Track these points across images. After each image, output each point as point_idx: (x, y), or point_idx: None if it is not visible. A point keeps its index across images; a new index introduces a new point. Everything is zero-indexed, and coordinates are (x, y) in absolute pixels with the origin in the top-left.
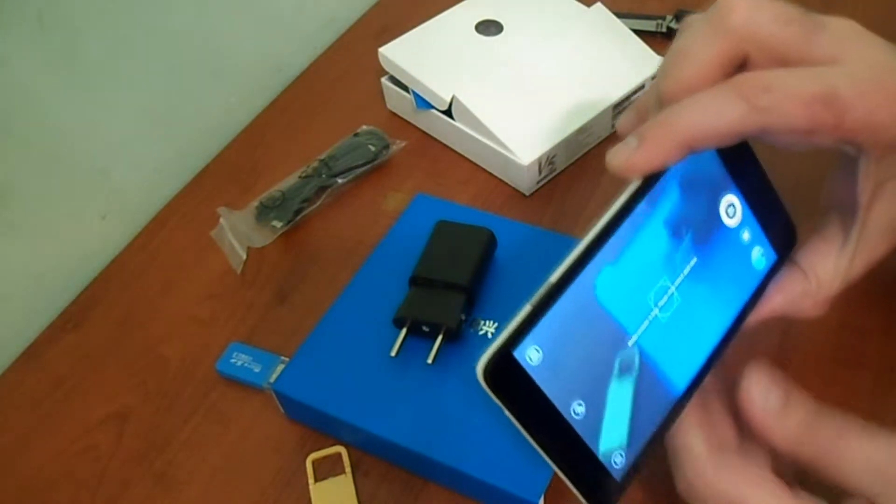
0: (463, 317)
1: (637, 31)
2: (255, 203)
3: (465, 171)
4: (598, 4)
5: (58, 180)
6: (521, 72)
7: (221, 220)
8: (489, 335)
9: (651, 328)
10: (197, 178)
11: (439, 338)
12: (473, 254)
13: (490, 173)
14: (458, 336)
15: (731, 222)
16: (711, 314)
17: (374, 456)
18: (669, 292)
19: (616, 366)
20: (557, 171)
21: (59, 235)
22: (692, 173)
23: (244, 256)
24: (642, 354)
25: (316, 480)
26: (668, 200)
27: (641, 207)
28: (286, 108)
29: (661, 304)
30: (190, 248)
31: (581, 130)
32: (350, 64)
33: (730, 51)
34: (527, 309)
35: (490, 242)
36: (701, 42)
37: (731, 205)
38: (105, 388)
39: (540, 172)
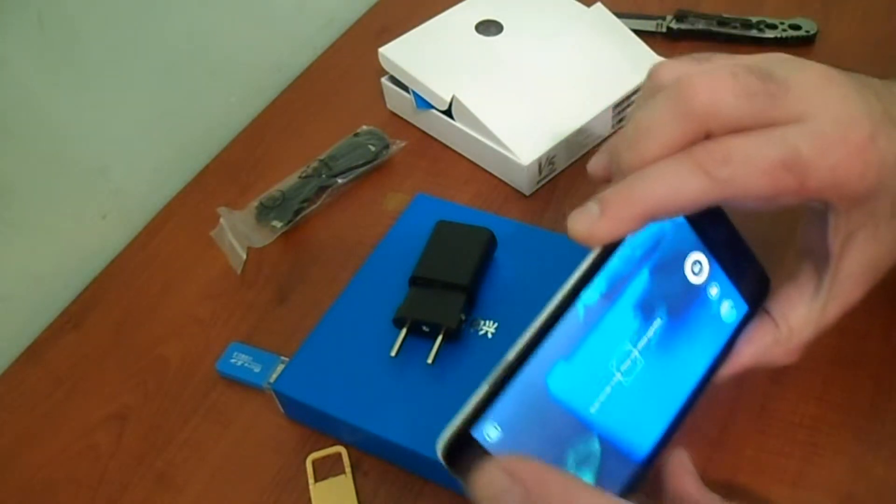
0: (463, 317)
1: (637, 31)
2: (255, 203)
3: (465, 171)
4: (598, 4)
5: (58, 180)
6: (521, 72)
7: (221, 220)
8: (489, 335)
9: (613, 395)
10: (197, 178)
11: (439, 338)
12: (473, 254)
13: (490, 173)
14: (458, 336)
15: (697, 280)
16: (678, 373)
17: (374, 456)
18: (632, 356)
19: (573, 454)
20: (557, 171)
21: (59, 235)
22: (655, 235)
23: (244, 256)
24: (602, 432)
25: (316, 480)
26: (630, 264)
27: (603, 273)
28: (286, 108)
29: (623, 368)
30: (190, 248)
31: (581, 130)
32: (350, 64)
33: (692, 132)
34: (484, 388)
35: (490, 242)
36: (663, 121)
37: (697, 262)
38: (105, 388)
39: (540, 172)
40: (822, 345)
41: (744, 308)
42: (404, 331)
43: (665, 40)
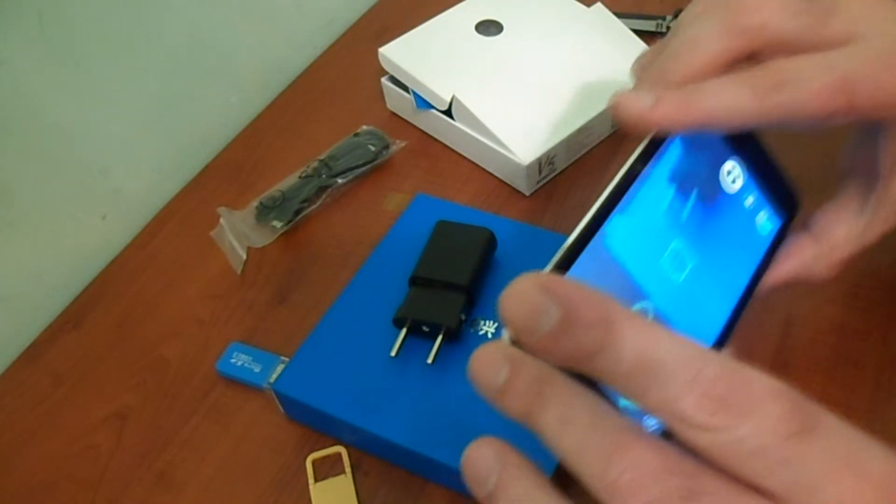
0: (463, 317)
1: (637, 31)
2: (255, 203)
3: (465, 171)
4: (598, 4)
5: (58, 180)
6: (521, 72)
7: (221, 220)
8: (489, 335)
9: (667, 291)
10: (197, 178)
11: (439, 338)
12: (473, 254)
13: (490, 173)
14: (458, 336)
15: (732, 188)
16: (723, 279)
17: (374, 456)
18: (681, 255)
19: None
20: (557, 171)
21: (59, 235)
22: (693, 142)
23: (244, 256)
24: (658, 315)
25: (316, 480)
26: (673, 166)
27: (648, 170)
28: (286, 108)
29: (674, 266)
30: (190, 248)
31: (581, 130)
32: (350, 64)
33: (740, 49)
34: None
35: (490, 242)
36: (712, 38)
37: (731, 171)
38: (105, 388)
39: (540, 172)
40: (822, 345)
41: (778, 221)
42: (404, 331)
43: None
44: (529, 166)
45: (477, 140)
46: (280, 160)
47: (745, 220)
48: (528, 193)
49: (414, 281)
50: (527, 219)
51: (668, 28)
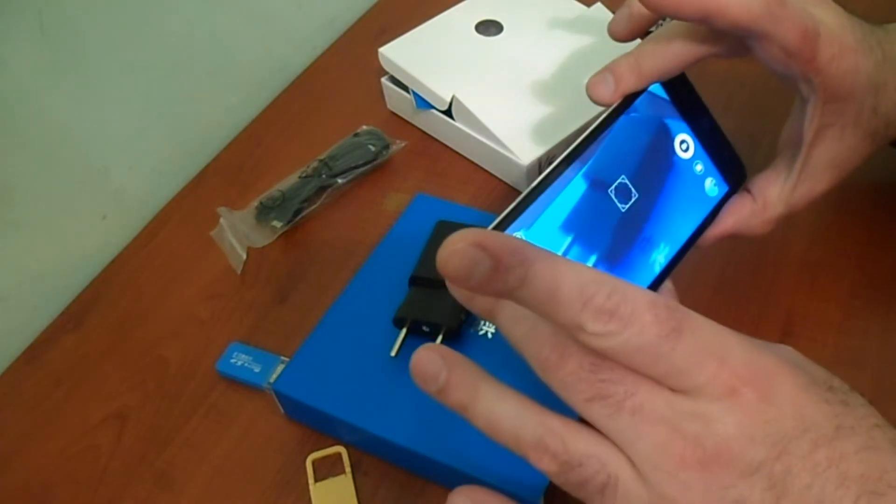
0: (463, 317)
1: None
2: (255, 203)
3: (465, 171)
4: (598, 4)
5: (58, 180)
6: (521, 72)
7: (221, 220)
8: (489, 335)
9: (611, 240)
10: (197, 178)
11: (439, 338)
12: None
13: (490, 173)
14: (458, 336)
15: (684, 156)
16: (670, 228)
17: (374, 456)
18: (629, 204)
19: None
20: None
21: (59, 235)
22: (648, 117)
23: (244, 256)
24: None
25: (316, 480)
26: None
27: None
28: (286, 108)
29: (621, 212)
30: (190, 248)
31: (581, 130)
32: (350, 64)
33: None
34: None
35: None
36: None
37: (685, 141)
38: (105, 388)
39: (540, 172)
40: (821, 344)
41: (724, 187)
42: (404, 331)
43: None
44: (529, 166)
45: (477, 140)
46: (280, 160)
47: (694, 183)
48: None
49: (414, 281)
50: None
51: None
